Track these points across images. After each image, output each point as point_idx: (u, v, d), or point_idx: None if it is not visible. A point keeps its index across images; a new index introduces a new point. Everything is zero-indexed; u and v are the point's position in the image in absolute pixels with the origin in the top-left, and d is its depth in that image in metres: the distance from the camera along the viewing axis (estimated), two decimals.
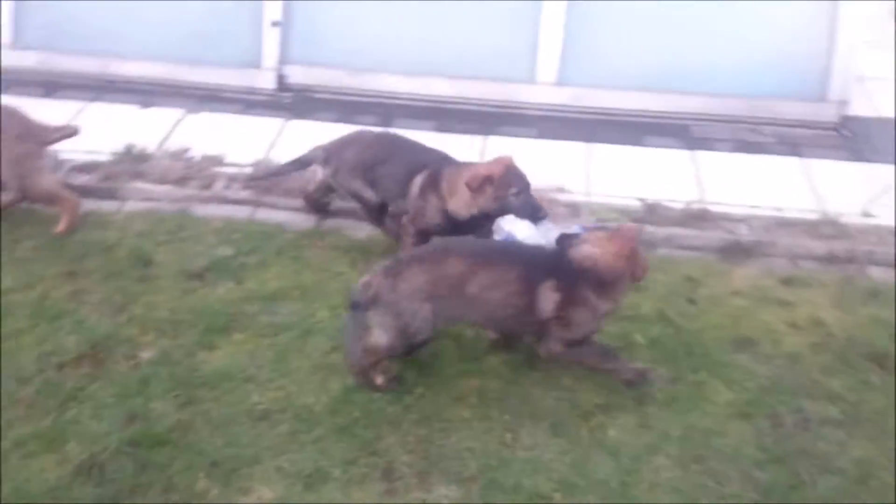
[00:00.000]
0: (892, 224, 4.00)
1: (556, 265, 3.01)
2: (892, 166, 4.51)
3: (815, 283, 3.68)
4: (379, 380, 3.08)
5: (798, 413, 3.06)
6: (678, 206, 4.13)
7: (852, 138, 4.83)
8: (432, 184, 3.56)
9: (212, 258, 3.75)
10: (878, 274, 3.75)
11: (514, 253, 3.17)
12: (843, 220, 4.07)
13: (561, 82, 5.09)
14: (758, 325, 3.46)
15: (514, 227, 3.38)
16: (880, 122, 4.98)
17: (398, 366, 3.15)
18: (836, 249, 3.81)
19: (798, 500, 2.74)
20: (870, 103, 5.15)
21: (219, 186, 4.22)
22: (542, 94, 5.10)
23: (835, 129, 4.92)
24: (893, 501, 2.74)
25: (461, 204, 3.49)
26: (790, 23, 4.90)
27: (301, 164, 4.04)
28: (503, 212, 3.41)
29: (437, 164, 3.62)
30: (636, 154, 4.71)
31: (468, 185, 3.40)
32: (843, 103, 4.91)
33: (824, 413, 3.06)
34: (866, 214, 4.16)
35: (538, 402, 3.11)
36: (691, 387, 3.18)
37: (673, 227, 3.97)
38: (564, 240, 3.07)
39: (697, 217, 4.02)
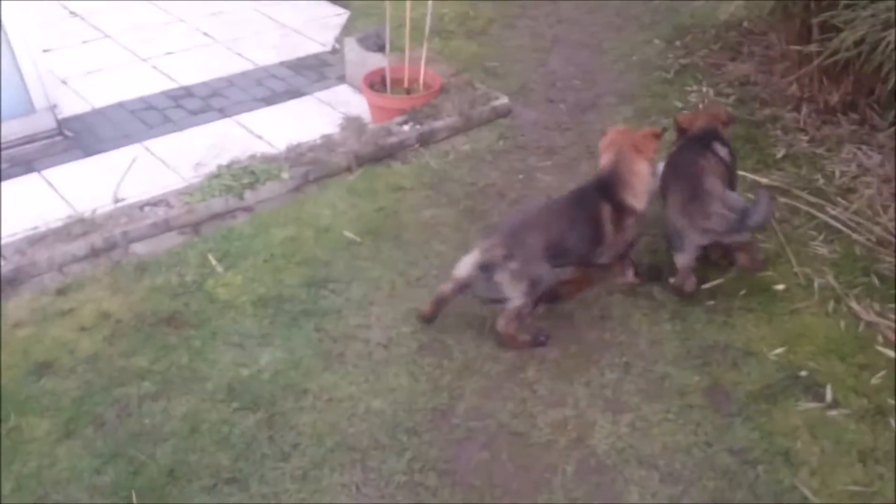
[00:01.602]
0: (139, 200, 4.24)
1: None
2: (121, 150, 4.76)
3: (88, 282, 3.71)
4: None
5: (117, 404, 3.11)
6: None
7: (77, 137, 4.91)
8: (619, 210, 3.47)
9: None
10: (140, 248, 3.95)
11: None
12: (98, 212, 4.15)
13: None
14: (50, 345, 3.36)
15: None
16: (96, 113, 5.16)
17: None
18: (95, 242, 3.88)
19: (135, 471, 2.82)
20: (82, 100, 5.29)
21: None
22: None
23: (59, 134, 4.93)
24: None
25: (640, 193, 3.51)
26: None
27: (488, 268, 3.32)
28: None
29: (599, 192, 3.51)
30: None
31: (646, 154, 3.54)
32: (54, 108, 4.93)
33: (140, 392, 3.17)
34: (118, 200, 4.31)
35: None
36: (9, 437, 2.96)
37: None
38: None
39: None
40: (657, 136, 3.64)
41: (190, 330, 3.48)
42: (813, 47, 4.28)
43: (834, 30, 4.10)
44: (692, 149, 3.76)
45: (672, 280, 3.68)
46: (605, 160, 3.60)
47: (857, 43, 3.81)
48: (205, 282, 3.73)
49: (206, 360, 3.33)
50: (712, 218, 3.47)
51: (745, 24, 5.27)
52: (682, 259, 3.61)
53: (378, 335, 3.49)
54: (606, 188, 3.51)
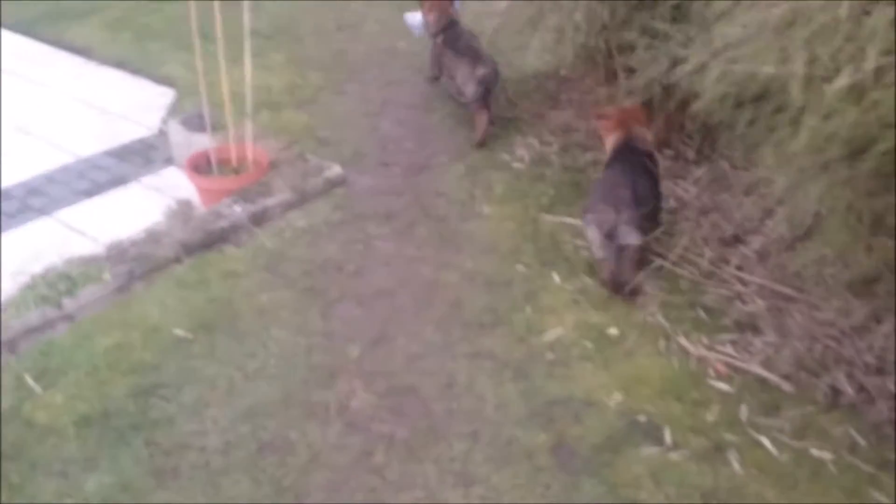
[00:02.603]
0: None
1: None
2: None
3: None
4: None
5: None
6: None
7: None
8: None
9: None
10: None
11: None
12: None
13: None
14: None
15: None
16: None
17: None
18: None
19: None
20: None
21: None
22: None
23: None
24: None
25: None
26: None
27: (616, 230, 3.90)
28: None
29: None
30: None
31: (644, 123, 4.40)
32: None
33: None
34: None
35: None
36: None
37: None
38: None
39: None
40: (646, 107, 4.39)
41: (7, 464, 3.19)
42: (613, 89, 4.47)
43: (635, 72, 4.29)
44: None
45: None
46: (619, 134, 4.27)
47: (650, 83, 4.00)
48: (22, 406, 3.45)
49: (25, 495, 3.06)
50: None
51: (562, 72, 5.45)
52: None
53: (215, 440, 3.32)
54: (636, 145, 4.16)
